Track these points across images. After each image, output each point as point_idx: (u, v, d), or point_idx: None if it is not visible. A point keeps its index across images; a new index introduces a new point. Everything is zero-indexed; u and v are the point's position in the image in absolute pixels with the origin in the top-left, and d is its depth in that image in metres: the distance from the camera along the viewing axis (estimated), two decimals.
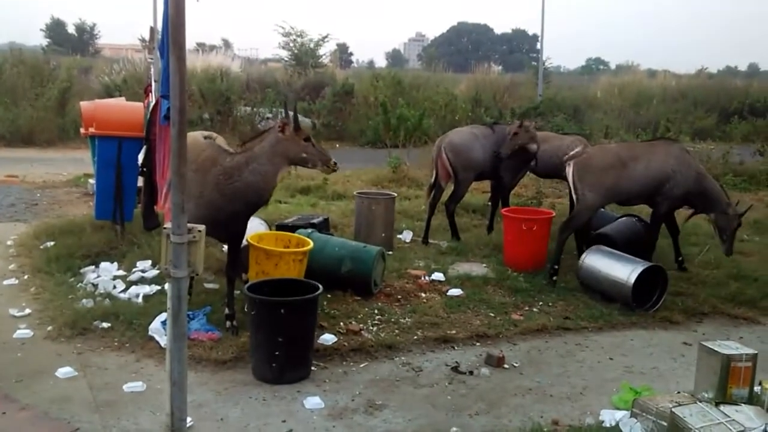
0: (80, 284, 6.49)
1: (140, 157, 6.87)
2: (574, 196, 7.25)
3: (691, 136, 16.44)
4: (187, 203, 4.98)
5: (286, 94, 20.93)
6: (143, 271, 6.73)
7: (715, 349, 4.33)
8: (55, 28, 58.81)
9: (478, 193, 11.30)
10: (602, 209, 8.86)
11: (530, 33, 77.60)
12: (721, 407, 3.92)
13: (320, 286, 5.09)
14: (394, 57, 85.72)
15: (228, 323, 5.57)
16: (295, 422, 4.36)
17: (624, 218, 8.19)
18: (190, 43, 29.50)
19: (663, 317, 6.44)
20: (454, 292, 6.73)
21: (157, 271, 6.53)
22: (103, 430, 4.17)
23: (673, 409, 3.85)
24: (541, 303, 6.65)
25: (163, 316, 5.08)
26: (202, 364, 5.05)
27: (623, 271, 6.54)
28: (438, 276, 7.12)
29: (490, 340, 5.79)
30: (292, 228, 7.02)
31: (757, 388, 4.25)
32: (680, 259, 7.77)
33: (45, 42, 51.62)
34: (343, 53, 54.70)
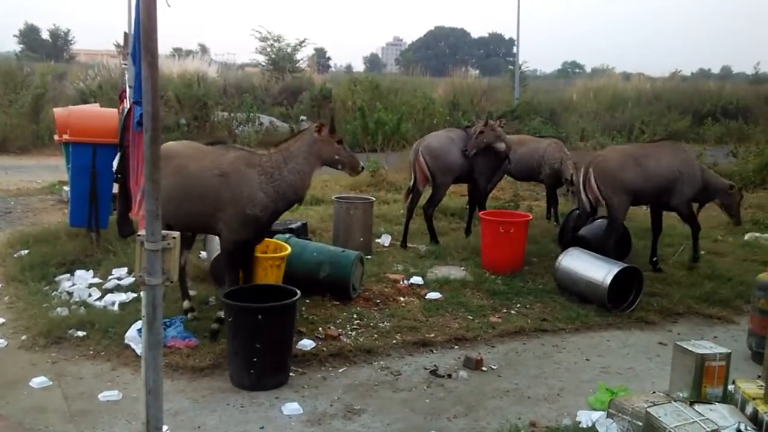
0: (55, 293, 6.42)
1: (115, 164, 6.81)
2: (583, 199, 7.47)
3: (665, 138, 16.62)
4: (235, 206, 5.29)
5: (263, 98, 20.89)
6: (119, 278, 6.68)
7: (690, 348, 4.39)
8: (29, 34, 58.20)
9: (456, 196, 11.34)
10: (578, 211, 8.95)
11: (507, 37, 78.37)
12: (696, 406, 3.96)
13: (298, 292, 5.08)
14: (372, 61, 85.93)
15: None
16: (274, 428, 4.35)
17: (600, 220, 8.25)
18: (166, 48, 29.42)
19: (639, 318, 6.51)
20: (433, 295, 6.75)
21: (133, 279, 6.48)
22: None
23: (648, 409, 3.88)
24: (518, 305, 6.69)
25: (139, 324, 5.04)
26: (179, 371, 5.01)
27: (599, 272, 6.60)
28: (416, 280, 7.13)
29: (468, 343, 5.82)
30: (271, 233, 6.99)
31: (730, 387, 4.31)
32: (655, 259, 7.86)
33: (19, 48, 51.10)
34: (320, 58, 54.79)
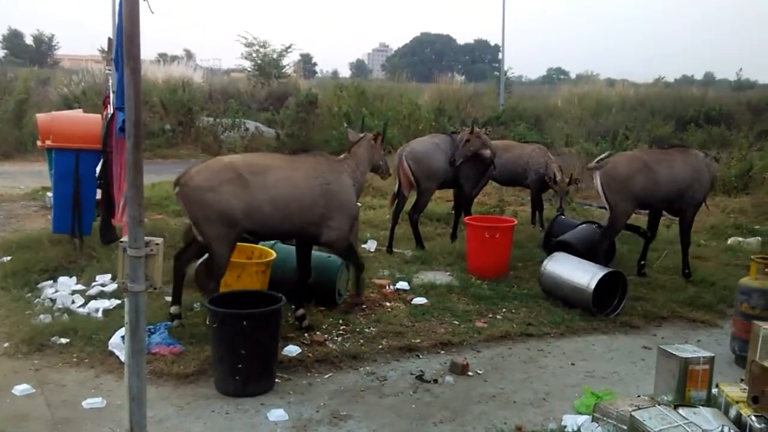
0: (38, 299, 6.36)
1: (98, 170, 6.77)
2: (606, 205, 7.44)
3: (649, 144, 16.76)
4: (341, 212, 5.66)
5: (249, 104, 20.82)
6: (103, 285, 6.62)
7: (674, 352, 4.42)
8: (13, 39, 57.79)
9: (442, 201, 11.37)
10: (563, 216, 9.02)
11: (492, 43, 78.59)
12: (680, 410, 3.98)
13: (283, 298, 5.07)
14: (358, 67, 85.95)
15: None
16: None
17: (584, 225, 8.32)
18: (151, 53, 29.34)
19: (623, 322, 6.55)
20: (419, 300, 6.75)
21: (117, 285, 6.43)
22: None
23: (632, 413, 3.90)
24: (504, 310, 6.70)
25: (123, 330, 4.99)
26: (163, 378, 4.98)
27: (584, 277, 6.63)
28: (402, 285, 7.14)
29: (454, 348, 5.82)
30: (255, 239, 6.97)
31: (714, 390, 4.34)
32: (643, 263, 7.91)
33: (2, 53, 50.74)
34: (306, 63, 54.78)
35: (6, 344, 5.45)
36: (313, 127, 21.28)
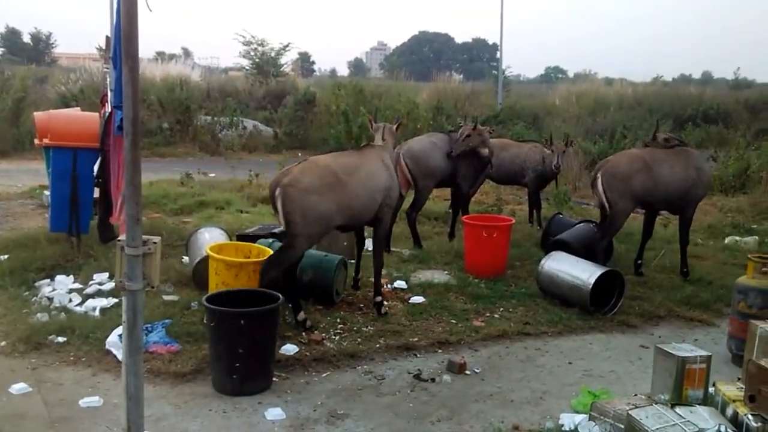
0: (35, 298, 6.35)
1: (96, 168, 6.76)
2: (606, 205, 7.41)
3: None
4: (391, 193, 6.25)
5: (247, 102, 20.80)
6: (100, 283, 6.61)
7: (671, 351, 4.41)
8: (10, 37, 57.63)
9: (440, 200, 11.37)
10: (560, 215, 9.02)
11: (490, 42, 78.63)
12: (677, 409, 3.99)
13: (281, 296, 5.07)
14: (356, 66, 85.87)
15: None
16: None
17: (582, 224, 8.32)
18: (149, 52, 29.27)
19: (620, 321, 6.56)
20: (417, 299, 6.75)
21: (114, 284, 6.43)
22: None
23: (629, 412, 3.91)
24: (501, 309, 6.71)
25: (121, 329, 4.99)
26: (161, 377, 4.98)
27: (582, 275, 6.64)
28: (400, 284, 7.14)
29: (451, 347, 5.82)
30: (253, 238, 6.97)
31: (711, 389, 4.34)
32: (640, 262, 7.92)
33: None
34: (304, 62, 54.71)
35: (3, 343, 5.45)
36: (311, 125, 21.31)
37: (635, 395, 4.53)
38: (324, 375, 5.21)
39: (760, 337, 4.51)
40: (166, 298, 6.32)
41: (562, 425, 4.39)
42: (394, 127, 6.86)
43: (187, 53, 45.11)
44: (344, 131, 15.68)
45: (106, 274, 6.72)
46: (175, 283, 6.66)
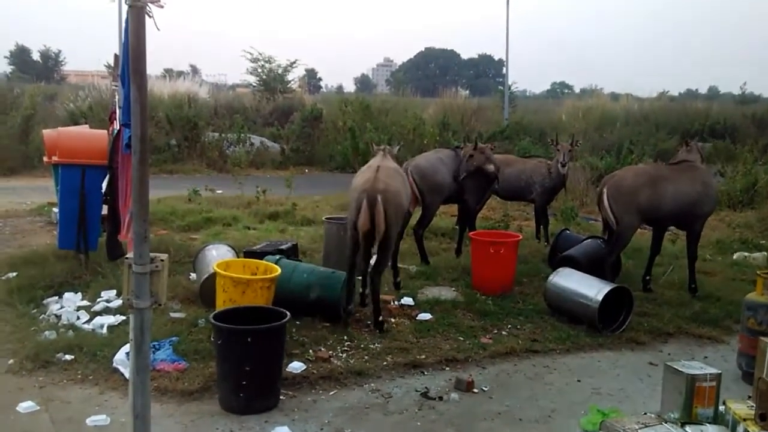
0: (43, 316, 6.37)
1: (104, 185, 6.78)
2: (610, 220, 7.40)
3: (654, 158, 16.75)
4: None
5: (254, 119, 20.87)
6: (108, 301, 6.62)
7: (680, 369, 4.37)
8: (20, 55, 58.25)
9: (447, 216, 11.36)
10: (567, 231, 9.00)
11: (496, 58, 78.89)
12: (687, 427, 3.95)
13: (288, 313, 5.06)
14: (363, 82, 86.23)
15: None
16: None
17: (589, 240, 8.29)
18: (157, 69, 29.48)
19: (629, 338, 6.51)
20: (424, 316, 6.73)
21: (122, 301, 6.43)
22: None
23: (639, 431, 3.87)
24: (509, 326, 6.68)
25: (128, 347, 4.98)
26: (167, 395, 4.96)
27: (589, 292, 6.60)
28: (407, 300, 7.11)
29: (459, 365, 5.79)
30: (260, 254, 6.97)
31: (721, 408, 4.29)
32: (648, 278, 7.88)
33: (9, 69, 51.10)
34: (311, 78, 54.95)
35: (11, 361, 5.45)
36: (318, 141, 21.37)
37: (645, 414, 4.48)
38: (331, 393, 5.18)
39: None
40: (173, 315, 6.32)
41: None
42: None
43: (195, 70, 45.43)
44: (351, 147, 15.71)
45: (114, 292, 6.73)
46: (182, 300, 6.66)
